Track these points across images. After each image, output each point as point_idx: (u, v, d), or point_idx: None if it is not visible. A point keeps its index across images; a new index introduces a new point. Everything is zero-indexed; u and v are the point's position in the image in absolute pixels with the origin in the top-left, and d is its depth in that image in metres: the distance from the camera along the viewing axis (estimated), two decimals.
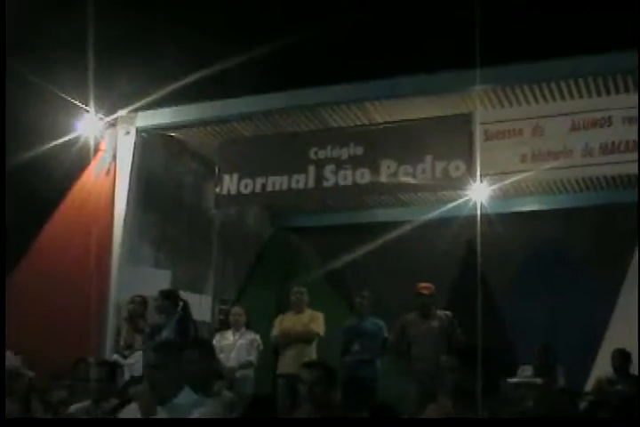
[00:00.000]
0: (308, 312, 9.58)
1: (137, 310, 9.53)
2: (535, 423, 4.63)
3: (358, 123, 10.45)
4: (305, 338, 9.36)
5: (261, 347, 9.60)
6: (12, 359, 8.34)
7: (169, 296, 9.18)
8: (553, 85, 9.10)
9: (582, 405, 6.91)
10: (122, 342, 9.46)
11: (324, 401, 4.92)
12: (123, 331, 9.52)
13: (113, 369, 6.75)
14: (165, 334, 8.90)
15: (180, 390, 4.16)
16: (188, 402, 3.96)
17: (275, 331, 9.56)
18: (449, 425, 4.93)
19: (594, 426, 4.61)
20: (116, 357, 9.23)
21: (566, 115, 9.23)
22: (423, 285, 8.92)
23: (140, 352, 9.21)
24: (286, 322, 9.57)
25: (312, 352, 9.32)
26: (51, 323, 9.39)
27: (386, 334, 9.33)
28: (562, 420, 4.69)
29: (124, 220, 10.25)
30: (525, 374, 8.92)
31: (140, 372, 8.69)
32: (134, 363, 8.95)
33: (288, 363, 9.21)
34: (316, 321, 9.46)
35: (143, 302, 9.59)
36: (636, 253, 10.46)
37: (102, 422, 3.09)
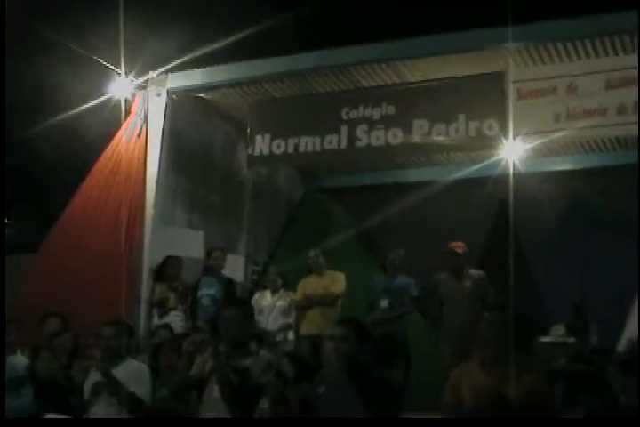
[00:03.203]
0: (329, 274, 9.53)
1: (172, 271, 9.63)
2: (537, 423, 4.66)
3: (390, 82, 10.36)
4: (326, 301, 9.33)
5: None
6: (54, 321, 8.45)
7: (220, 255, 9.54)
8: (587, 43, 8.94)
9: (613, 364, 6.90)
10: (156, 302, 9.56)
11: (352, 358, 4.88)
12: (157, 291, 9.61)
13: (126, 329, 6.67)
14: (205, 292, 9.02)
15: None
16: None
17: (298, 295, 9.56)
18: (449, 425, 4.96)
19: (594, 426, 4.64)
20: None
21: (601, 73, 9.10)
22: (455, 243, 8.89)
23: (175, 312, 9.32)
24: (308, 286, 9.54)
25: (335, 313, 9.26)
26: (86, 287, 9.45)
27: (414, 293, 9.29)
28: (562, 420, 4.71)
29: (157, 182, 10.28)
30: (557, 333, 8.91)
31: (176, 331, 8.80)
32: (170, 323, 9.03)
33: (310, 325, 9.25)
34: (336, 283, 9.42)
35: (178, 262, 9.69)
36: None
37: (102, 422, 2.97)
